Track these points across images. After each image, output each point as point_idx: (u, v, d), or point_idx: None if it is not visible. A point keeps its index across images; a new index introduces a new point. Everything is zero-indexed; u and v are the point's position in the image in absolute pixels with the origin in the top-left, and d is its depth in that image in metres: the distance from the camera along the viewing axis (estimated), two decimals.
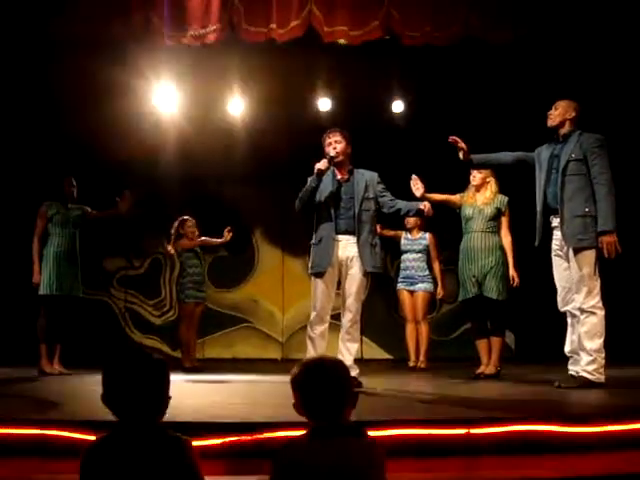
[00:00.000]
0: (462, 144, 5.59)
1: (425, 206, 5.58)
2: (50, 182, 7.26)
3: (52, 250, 6.96)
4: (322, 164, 5.48)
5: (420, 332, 7.75)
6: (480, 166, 5.97)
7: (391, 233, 7.95)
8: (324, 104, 9.13)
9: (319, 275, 5.50)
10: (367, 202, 5.60)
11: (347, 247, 5.51)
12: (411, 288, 7.80)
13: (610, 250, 5.03)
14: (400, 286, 7.89)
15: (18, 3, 6.47)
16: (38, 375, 6.74)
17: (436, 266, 7.87)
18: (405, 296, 7.84)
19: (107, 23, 6.47)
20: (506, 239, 6.51)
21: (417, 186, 6.02)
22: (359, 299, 5.55)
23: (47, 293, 6.89)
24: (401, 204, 5.71)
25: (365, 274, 5.55)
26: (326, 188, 5.54)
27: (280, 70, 8.15)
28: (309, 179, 5.59)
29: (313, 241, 5.60)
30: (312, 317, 5.49)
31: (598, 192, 5.09)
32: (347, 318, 5.50)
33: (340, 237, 5.51)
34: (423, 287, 7.77)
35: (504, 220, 6.53)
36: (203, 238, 8.04)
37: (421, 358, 7.69)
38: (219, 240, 8.05)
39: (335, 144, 5.59)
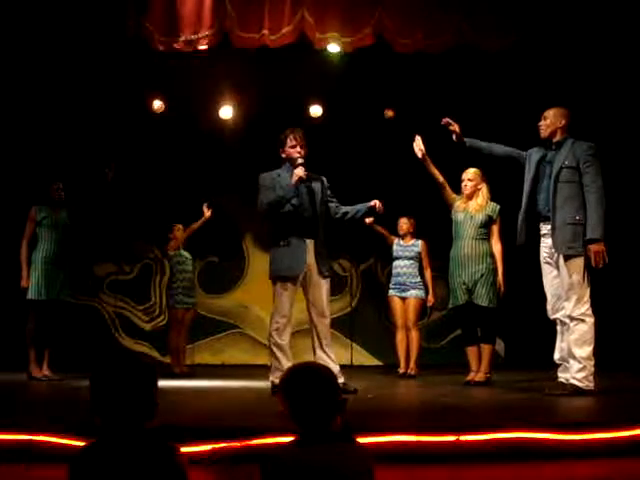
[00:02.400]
0: (455, 126, 5.61)
1: (375, 203, 5.50)
2: (38, 186, 7.24)
3: (41, 254, 6.92)
4: (302, 172, 5.37)
5: (411, 339, 7.72)
6: (472, 150, 5.79)
7: (382, 231, 7.88)
8: (316, 110, 9.14)
9: (289, 279, 5.39)
10: (323, 205, 5.55)
11: (311, 251, 5.44)
12: (402, 295, 7.77)
13: (597, 259, 5.03)
14: (391, 292, 7.86)
15: (6, 2, 6.46)
16: (27, 380, 6.71)
17: (427, 273, 7.84)
18: (396, 302, 7.81)
19: (99, 27, 6.46)
20: (496, 247, 6.53)
21: (420, 147, 6.06)
22: (329, 302, 5.52)
23: (35, 298, 6.85)
24: (347, 208, 5.64)
25: (326, 277, 5.50)
26: (289, 191, 5.43)
27: (272, 76, 8.16)
28: (265, 180, 5.52)
29: (281, 243, 5.42)
30: (280, 324, 5.36)
31: (589, 200, 5.10)
32: (324, 323, 5.42)
33: (307, 241, 5.43)
34: (414, 294, 7.74)
35: (495, 228, 6.55)
36: (188, 229, 7.98)
37: (411, 365, 7.67)
38: (201, 220, 8.01)
39: (300, 149, 5.50)
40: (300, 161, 5.43)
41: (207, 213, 7.96)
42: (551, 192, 5.19)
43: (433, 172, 6.45)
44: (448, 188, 6.63)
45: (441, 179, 6.56)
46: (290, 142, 5.54)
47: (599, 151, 5.22)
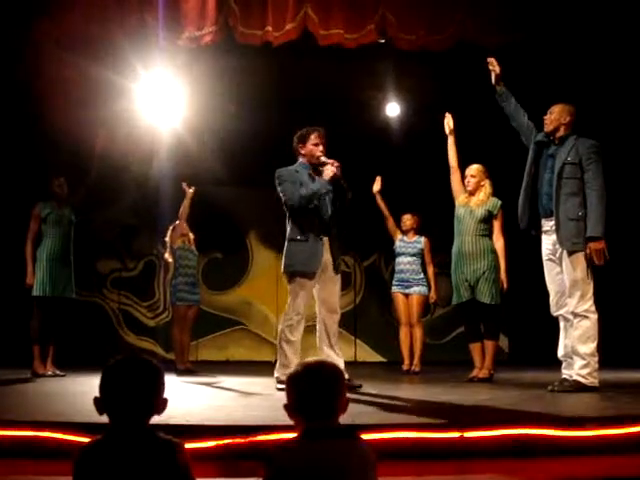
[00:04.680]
0: (496, 68, 5.59)
1: (327, 168, 5.44)
2: (42, 183, 7.25)
3: (46, 251, 6.94)
4: (337, 169, 5.38)
5: (414, 335, 7.73)
6: (500, 100, 5.70)
7: (383, 206, 7.77)
8: (319, 106, 9.13)
9: (307, 276, 5.37)
10: (333, 203, 5.55)
11: (327, 248, 5.44)
12: (406, 291, 7.78)
13: (598, 257, 5.03)
14: (395, 289, 7.87)
15: (7, 1, 6.47)
16: (31, 376, 6.73)
17: (430, 270, 7.85)
18: (400, 299, 7.82)
19: (102, 24, 6.47)
20: (498, 243, 6.52)
21: (449, 123, 6.34)
22: (339, 299, 5.53)
23: (40, 294, 6.87)
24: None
25: (338, 273, 5.51)
26: (323, 186, 5.44)
27: (275, 72, 8.16)
28: (286, 175, 5.51)
29: (299, 238, 5.41)
30: (294, 320, 5.35)
31: (590, 197, 5.10)
32: (333, 319, 5.43)
33: (324, 238, 5.43)
34: (418, 290, 7.75)
35: (496, 223, 6.54)
36: (180, 216, 7.83)
37: (415, 361, 7.68)
38: (186, 201, 7.78)
39: (322, 146, 5.52)
40: (324, 159, 5.45)
41: (189, 191, 7.78)
42: (554, 187, 5.20)
43: (451, 153, 6.51)
44: (459, 176, 6.62)
45: (455, 164, 6.59)
46: (314, 139, 5.52)
47: (602, 149, 5.22)
